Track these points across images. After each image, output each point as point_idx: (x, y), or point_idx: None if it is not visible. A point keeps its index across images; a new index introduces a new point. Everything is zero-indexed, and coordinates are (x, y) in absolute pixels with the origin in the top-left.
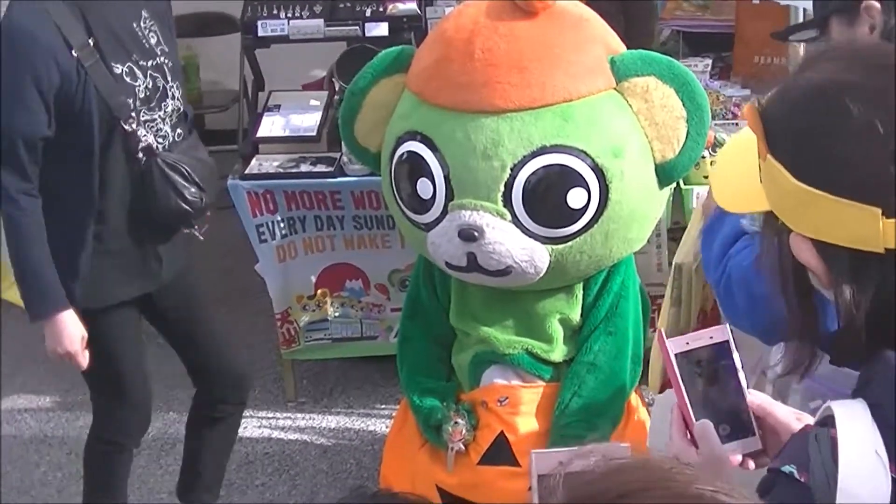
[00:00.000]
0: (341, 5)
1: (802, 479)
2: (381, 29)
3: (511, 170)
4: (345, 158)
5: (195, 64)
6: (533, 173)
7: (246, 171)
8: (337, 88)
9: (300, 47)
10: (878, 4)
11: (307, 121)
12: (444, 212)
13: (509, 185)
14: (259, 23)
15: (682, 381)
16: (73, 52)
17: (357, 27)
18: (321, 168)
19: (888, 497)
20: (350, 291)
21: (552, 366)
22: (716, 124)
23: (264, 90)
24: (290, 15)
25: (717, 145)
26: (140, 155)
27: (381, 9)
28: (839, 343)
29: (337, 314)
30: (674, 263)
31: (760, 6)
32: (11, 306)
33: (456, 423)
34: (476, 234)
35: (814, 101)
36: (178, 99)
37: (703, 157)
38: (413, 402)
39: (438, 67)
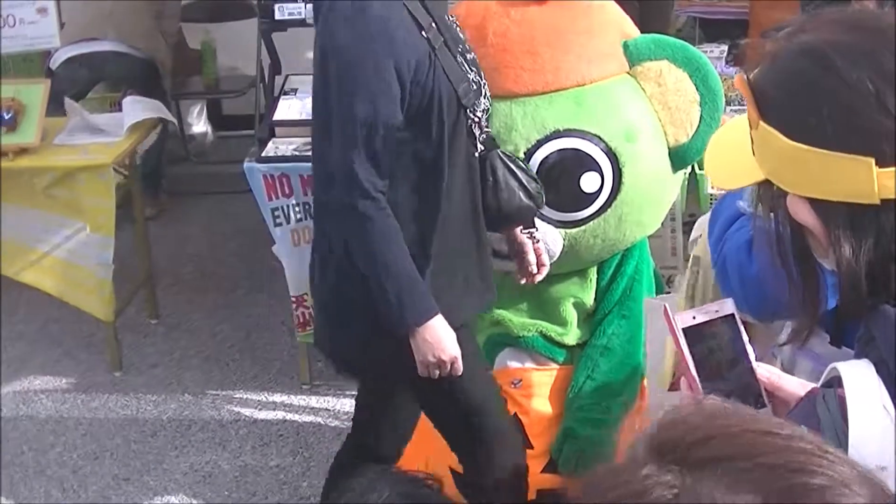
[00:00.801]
0: None
1: None
2: None
3: (525, 154)
4: None
5: (212, 49)
6: (546, 157)
7: (262, 154)
8: None
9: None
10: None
11: None
12: None
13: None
14: (276, 6)
15: (691, 355)
16: (422, 32)
17: None
18: None
19: None
20: None
21: (566, 349)
22: (731, 110)
23: (281, 74)
24: None
25: None
26: (482, 147)
27: None
28: (843, 304)
29: None
30: (691, 256)
31: None
32: (25, 288)
33: None
34: None
35: (803, 61)
36: (488, 98)
37: None
38: None
39: None
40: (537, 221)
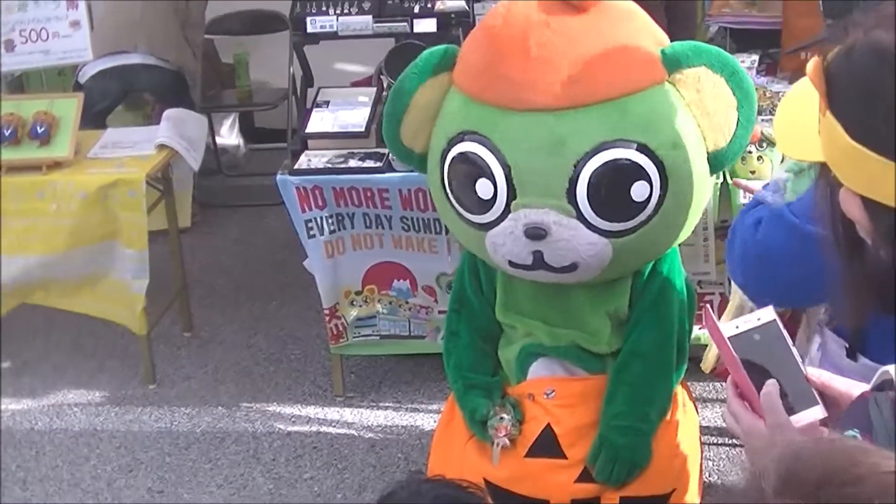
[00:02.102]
0: (390, 2)
1: (866, 441)
2: (430, 25)
3: (574, 166)
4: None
5: (245, 62)
6: (597, 169)
7: (295, 167)
8: (385, 85)
9: (349, 45)
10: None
11: (356, 117)
12: (507, 211)
13: (573, 182)
14: (308, 19)
15: (740, 360)
16: None
17: (405, 23)
18: (370, 163)
19: None
20: (398, 291)
21: (599, 358)
22: (762, 119)
23: (313, 86)
24: (338, 11)
25: (763, 140)
26: None
27: (429, 5)
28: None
29: (385, 311)
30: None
31: (807, 3)
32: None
33: (501, 418)
34: (544, 232)
35: (875, 62)
36: None
37: (750, 153)
38: (458, 397)
39: (492, 66)
40: (588, 233)
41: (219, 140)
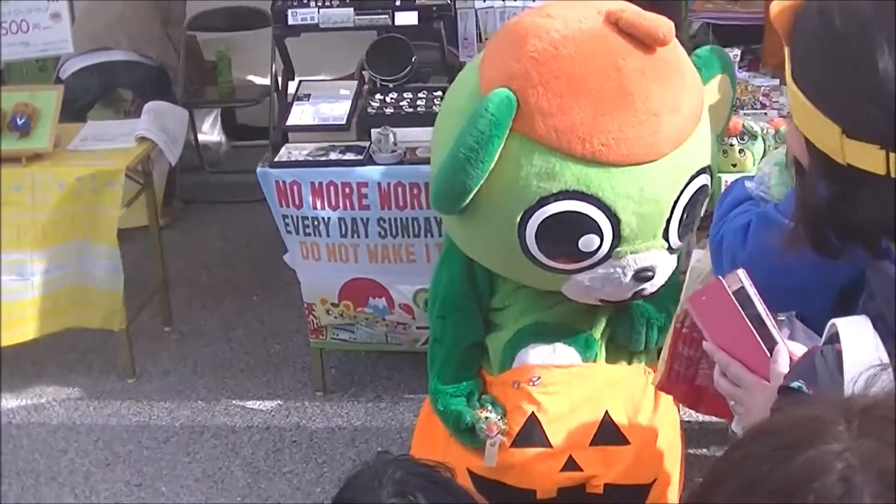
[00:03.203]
0: None
1: (811, 393)
2: (411, 17)
3: (673, 206)
4: (374, 147)
5: (227, 58)
6: (687, 201)
7: (275, 159)
8: (367, 79)
9: (331, 40)
10: None
11: (337, 109)
12: (607, 257)
13: (669, 219)
14: (289, 11)
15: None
16: None
17: (387, 16)
18: (350, 156)
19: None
20: (374, 309)
21: (593, 341)
22: (744, 114)
23: (294, 79)
24: (320, 3)
25: (744, 133)
26: None
27: None
28: (810, 238)
29: (362, 325)
30: (690, 267)
31: None
32: None
33: (487, 417)
34: (651, 273)
35: (821, 15)
36: None
37: (732, 145)
38: (438, 410)
39: (595, 123)
40: (672, 258)
41: (201, 137)
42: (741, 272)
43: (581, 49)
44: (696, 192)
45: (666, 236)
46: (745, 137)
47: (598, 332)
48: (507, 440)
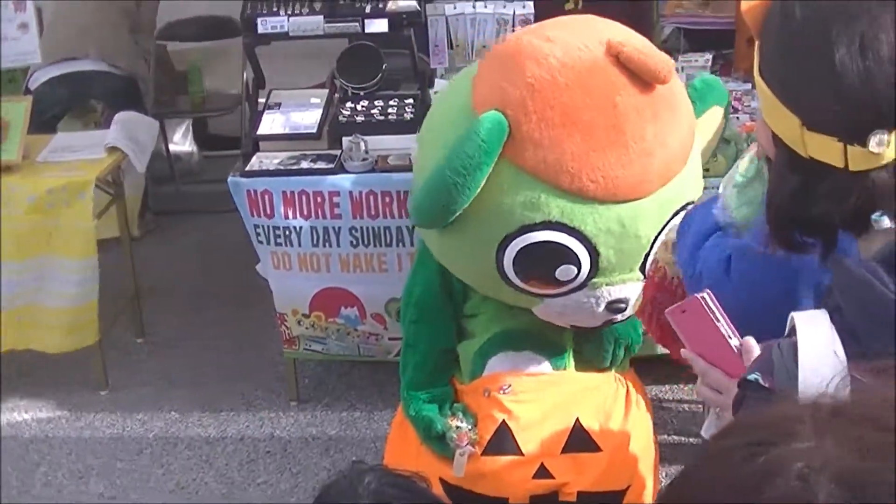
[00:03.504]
0: (341, 2)
1: (767, 385)
2: (381, 25)
3: (653, 241)
4: (345, 156)
5: (198, 68)
6: (663, 236)
7: (246, 168)
8: (338, 87)
9: (305, 49)
10: None
11: (307, 118)
12: (582, 286)
13: (648, 253)
14: (259, 20)
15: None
16: None
17: (357, 23)
18: (321, 165)
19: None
20: (346, 319)
21: (563, 350)
22: None
23: (265, 88)
24: (289, 12)
25: (720, 140)
26: None
27: (380, 5)
28: (771, 230)
29: (333, 337)
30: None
31: None
32: None
33: (458, 427)
34: (624, 305)
35: (785, 11)
36: None
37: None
38: (410, 415)
39: (585, 158)
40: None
41: (172, 147)
42: (708, 293)
43: (579, 80)
44: (674, 230)
45: (643, 269)
46: (719, 144)
47: (568, 341)
48: (479, 448)
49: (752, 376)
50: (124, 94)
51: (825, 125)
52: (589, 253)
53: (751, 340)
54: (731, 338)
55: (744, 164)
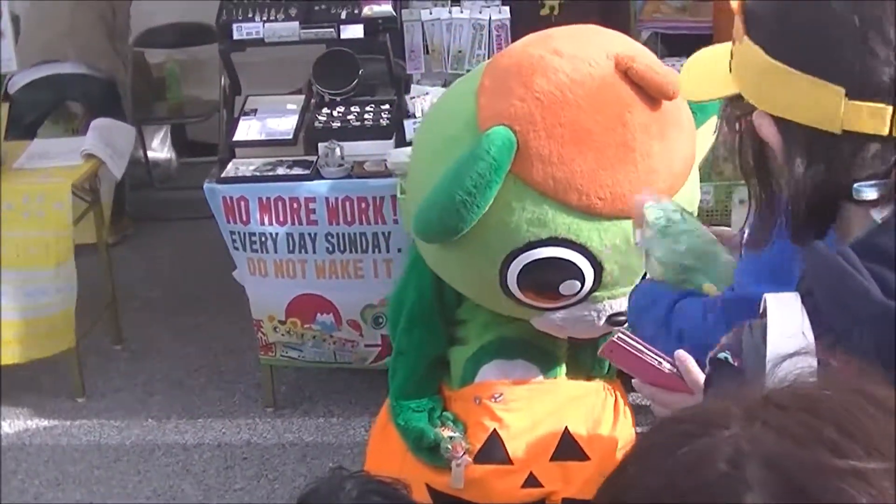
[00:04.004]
0: (316, 7)
1: (736, 364)
2: (357, 31)
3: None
4: (321, 162)
5: (176, 74)
6: None
7: (222, 175)
8: (315, 92)
9: (282, 54)
10: None
11: (284, 124)
12: (583, 299)
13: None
14: (234, 26)
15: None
16: None
17: (332, 29)
18: (298, 171)
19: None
20: (322, 325)
21: (555, 359)
22: None
23: (241, 94)
24: (265, 18)
25: None
26: None
27: (356, 11)
28: (792, 227)
29: (309, 344)
30: None
31: None
32: None
33: (452, 437)
34: (624, 319)
35: None
36: None
37: None
38: (399, 425)
39: (593, 176)
40: None
41: (150, 153)
42: (621, 331)
43: (589, 97)
44: None
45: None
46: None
47: (560, 350)
48: (469, 456)
49: (721, 355)
50: (104, 98)
51: (874, 90)
52: (593, 267)
53: (682, 355)
54: (660, 364)
55: (653, 214)
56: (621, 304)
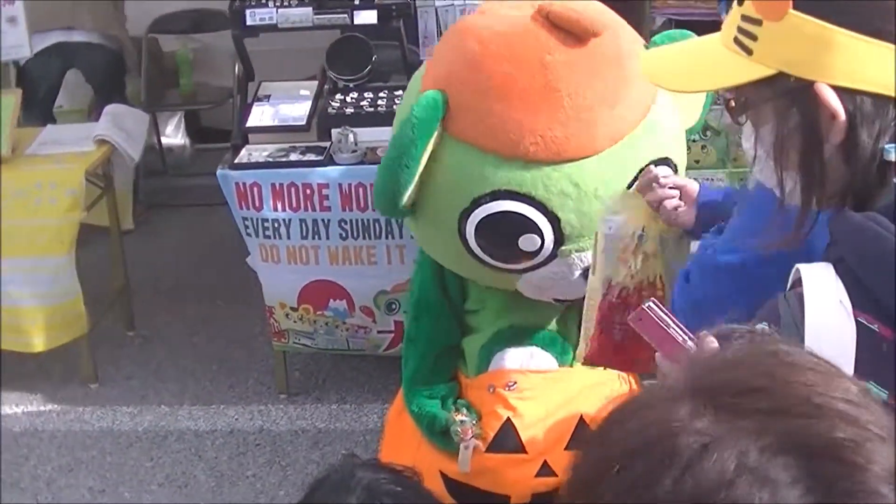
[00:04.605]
0: None
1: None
2: (370, 17)
3: None
4: (334, 148)
5: (188, 60)
6: None
7: (235, 161)
8: (328, 78)
9: (296, 41)
10: None
11: (297, 110)
12: (552, 256)
13: None
14: (247, 12)
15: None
16: None
17: (346, 15)
18: (311, 157)
19: (853, 339)
20: (334, 311)
21: (569, 346)
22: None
23: (254, 80)
24: (278, 4)
25: (707, 129)
26: None
27: None
28: (855, 188)
29: (321, 331)
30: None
31: None
32: None
33: (462, 421)
34: None
35: None
36: None
37: (694, 141)
38: (413, 411)
39: (521, 121)
40: None
41: (164, 140)
42: (653, 301)
43: (509, 45)
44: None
45: None
46: (708, 133)
47: (574, 336)
48: (482, 445)
49: (760, 325)
50: (110, 70)
51: None
52: (549, 220)
53: (702, 333)
54: (684, 341)
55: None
56: (591, 257)
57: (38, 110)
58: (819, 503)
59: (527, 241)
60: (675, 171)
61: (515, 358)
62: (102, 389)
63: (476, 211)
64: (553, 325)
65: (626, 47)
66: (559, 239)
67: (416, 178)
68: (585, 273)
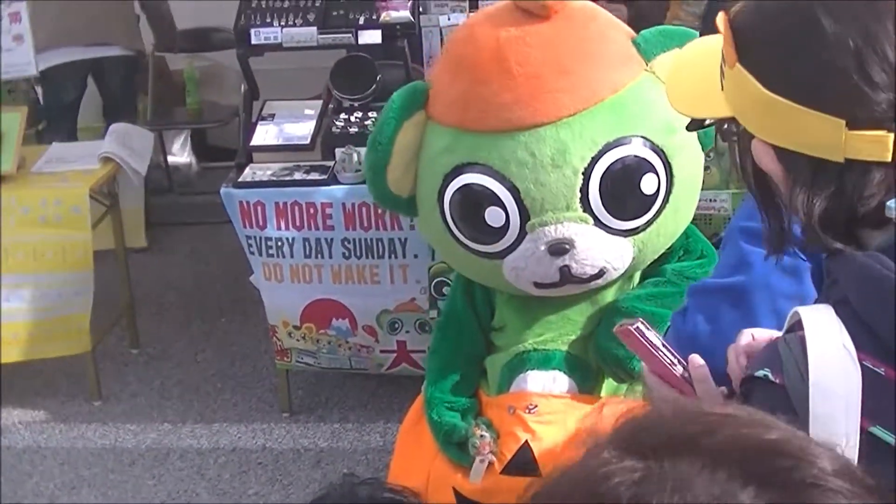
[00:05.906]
0: (334, 13)
1: (777, 381)
2: (375, 36)
3: (583, 174)
4: (338, 167)
5: (195, 78)
6: (605, 171)
7: (239, 180)
8: (333, 98)
9: (298, 61)
10: None
11: (301, 129)
12: (522, 234)
13: (584, 190)
14: (252, 31)
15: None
16: None
17: (350, 35)
18: (315, 176)
19: (859, 384)
20: (337, 330)
21: (590, 372)
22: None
23: (259, 99)
24: (283, 23)
25: (710, 150)
26: None
27: (374, 16)
28: (804, 238)
29: (324, 350)
30: None
31: None
32: None
33: (482, 435)
34: (567, 246)
35: (787, 12)
36: None
37: None
38: (432, 418)
39: (475, 93)
40: (608, 237)
41: (170, 158)
42: (641, 322)
43: (472, 30)
44: (618, 164)
45: (589, 210)
46: (712, 154)
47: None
48: (498, 465)
49: (760, 372)
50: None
51: (874, 120)
52: (509, 190)
53: (697, 360)
54: (674, 366)
55: None
56: (558, 230)
57: (60, 119)
58: (775, 502)
59: (492, 215)
60: (657, 149)
61: (538, 381)
62: (106, 406)
63: (447, 187)
64: (575, 351)
65: (596, 31)
66: (525, 213)
67: (392, 156)
68: (551, 248)
